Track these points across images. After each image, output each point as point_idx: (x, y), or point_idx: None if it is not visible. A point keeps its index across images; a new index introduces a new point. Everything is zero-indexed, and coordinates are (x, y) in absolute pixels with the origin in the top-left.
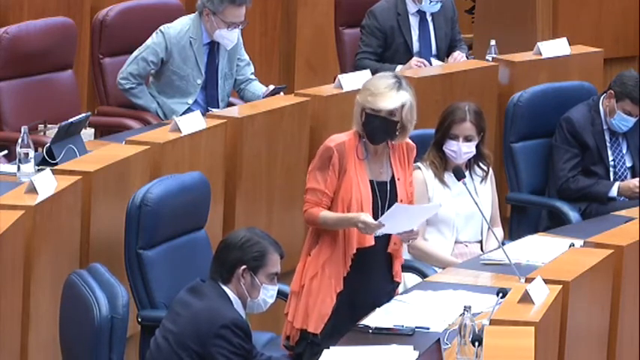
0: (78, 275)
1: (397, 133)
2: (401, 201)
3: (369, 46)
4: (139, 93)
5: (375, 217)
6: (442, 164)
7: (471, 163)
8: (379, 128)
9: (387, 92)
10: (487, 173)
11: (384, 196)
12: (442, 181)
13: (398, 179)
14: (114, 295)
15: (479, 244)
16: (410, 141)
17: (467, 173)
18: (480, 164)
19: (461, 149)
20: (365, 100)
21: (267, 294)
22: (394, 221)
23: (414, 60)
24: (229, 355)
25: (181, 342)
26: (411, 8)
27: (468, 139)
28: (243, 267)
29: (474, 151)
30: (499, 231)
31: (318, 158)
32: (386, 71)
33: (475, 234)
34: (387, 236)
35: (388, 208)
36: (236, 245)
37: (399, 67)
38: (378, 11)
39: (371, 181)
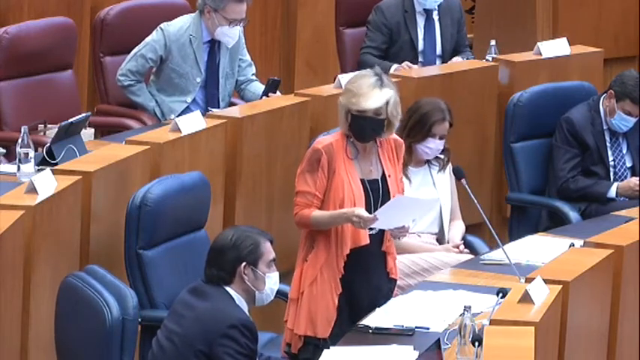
0: (77, 278)
1: (384, 130)
2: (393, 197)
3: (373, 42)
4: (137, 91)
5: None
6: (410, 159)
7: None
8: (367, 128)
9: (371, 91)
10: (445, 164)
11: (377, 194)
12: (404, 174)
13: (389, 176)
14: (122, 296)
15: (434, 236)
16: (398, 137)
17: (425, 165)
18: (438, 154)
19: (437, 147)
20: (349, 102)
21: (271, 282)
22: (389, 215)
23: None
24: (236, 355)
25: (188, 343)
26: (418, 6)
27: (442, 137)
28: (243, 264)
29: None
30: (460, 224)
31: (307, 161)
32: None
33: (430, 226)
34: (381, 234)
35: (381, 206)
36: (229, 246)
37: (393, 67)
38: (385, 7)
39: (362, 180)
